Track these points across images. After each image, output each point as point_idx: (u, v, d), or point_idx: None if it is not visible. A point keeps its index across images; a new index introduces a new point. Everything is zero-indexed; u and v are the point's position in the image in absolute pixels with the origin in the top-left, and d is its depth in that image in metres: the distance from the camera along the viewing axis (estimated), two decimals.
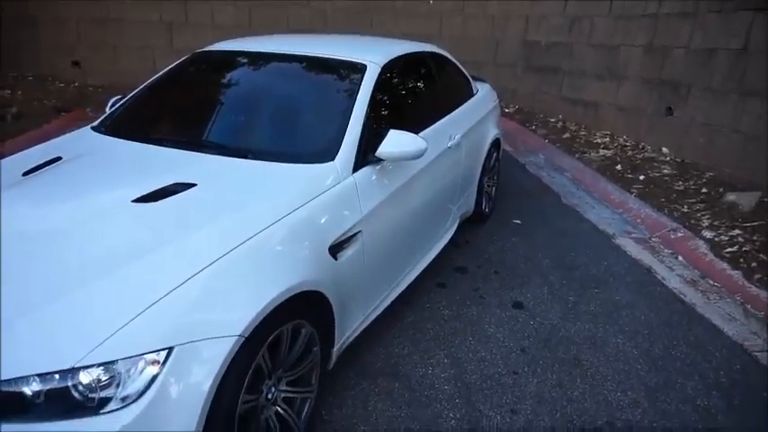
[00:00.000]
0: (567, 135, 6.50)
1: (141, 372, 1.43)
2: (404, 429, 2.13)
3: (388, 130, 2.37)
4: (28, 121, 6.30)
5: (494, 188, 4.23)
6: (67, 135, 2.71)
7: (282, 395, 1.91)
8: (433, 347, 2.63)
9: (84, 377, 1.40)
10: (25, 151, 2.51)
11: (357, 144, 2.33)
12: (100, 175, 2.19)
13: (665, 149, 5.70)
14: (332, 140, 2.32)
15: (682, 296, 3.20)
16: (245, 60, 3.01)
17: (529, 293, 3.15)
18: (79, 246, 1.74)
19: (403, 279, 2.74)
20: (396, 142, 2.35)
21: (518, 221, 4.16)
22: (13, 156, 2.47)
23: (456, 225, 3.48)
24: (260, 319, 1.64)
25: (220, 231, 1.80)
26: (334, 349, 2.15)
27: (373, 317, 2.48)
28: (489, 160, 3.95)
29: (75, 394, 1.40)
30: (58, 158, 2.29)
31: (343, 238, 2.10)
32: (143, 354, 1.44)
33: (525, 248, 3.72)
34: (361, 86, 2.56)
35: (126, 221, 1.85)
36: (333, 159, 2.24)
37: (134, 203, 1.92)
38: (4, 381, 1.38)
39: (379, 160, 2.38)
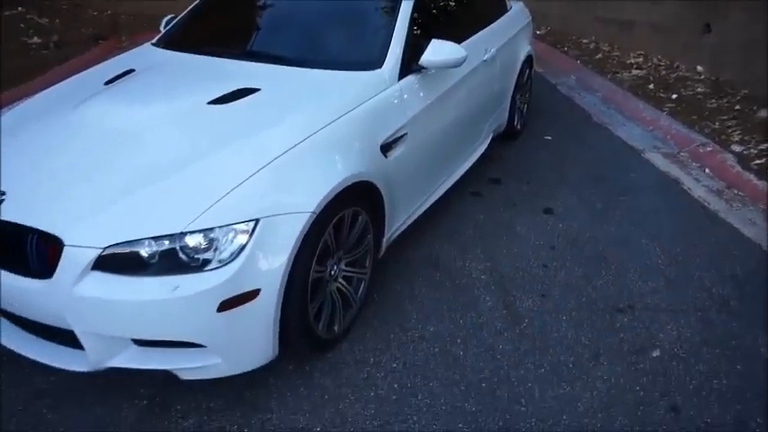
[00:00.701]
0: (599, 56, 6.44)
1: (233, 239, 1.72)
2: (446, 309, 2.44)
3: (429, 40, 2.52)
4: (69, 50, 6.51)
5: (526, 105, 4.34)
6: (132, 51, 2.93)
7: (343, 273, 2.20)
8: (470, 245, 2.89)
9: (190, 240, 1.69)
10: (99, 65, 2.75)
11: (401, 53, 2.51)
12: (173, 83, 2.43)
13: (699, 68, 5.64)
14: (379, 50, 2.50)
15: (706, 204, 3.37)
16: None
17: (558, 201, 3.36)
18: (172, 139, 2.02)
19: (442, 184, 2.97)
20: (438, 51, 2.50)
21: (549, 137, 4.30)
22: (90, 69, 2.72)
23: (489, 139, 3.65)
24: (327, 200, 1.91)
25: (289, 127, 2.05)
26: (384, 239, 2.42)
27: (416, 215, 2.73)
28: (522, 77, 4.05)
29: (182, 255, 1.70)
30: (132, 70, 2.52)
31: (391, 139, 2.32)
32: (235, 223, 1.72)
33: (556, 162, 3.89)
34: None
35: (206, 119, 2.11)
36: (380, 67, 2.43)
37: (209, 105, 2.17)
38: (126, 242, 1.68)
39: (421, 69, 2.55)
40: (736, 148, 4.00)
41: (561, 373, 2.11)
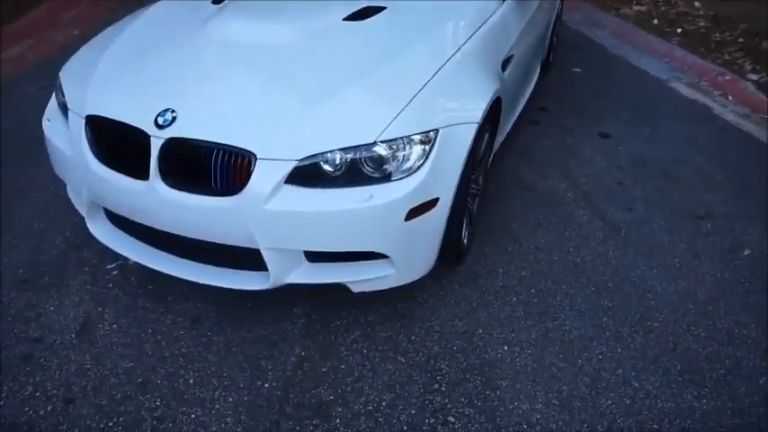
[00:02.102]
0: None
1: (417, 149, 1.76)
2: (548, 223, 2.58)
3: None
4: None
5: (555, 38, 4.44)
6: None
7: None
8: (546, 167, 3.04)
9: (380, 150, 1.72)
10: None
11: None
12: (293, 3, 2.36)
13: (697, 3, 5.89)
14: None
15: (739, 126, 3.65)
16: None
17: (609, 126, 3.53)
18: (327, 54, 2.01)
19: (519, 104, 3.07)
20: None
21: (578, 70, 4.44)
22: None
23: (539, 67, 3.75)
24: (485, 112, 1.97)
25: (437, 40, 2.09)
26: (491, 155, 2.52)
27: (505, 134, 2.83)
28: (555, 10, 4.13)
29: (369, 166, 1.73)
30: None
31: (506, 57, 2.38)
32: (419, 133, 1.76)
33: (592, 92, 4.05)
34: None
35: (350, 35, 2.11)
36: None
37: (346, 21, 2.14)
38: (319, 154, 1.69)
39: None
40: (752, 76, 4.29)
41: (673, 272, 2.32)
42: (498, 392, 1.79)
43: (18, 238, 2.41)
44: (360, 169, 1.74)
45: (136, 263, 2.21)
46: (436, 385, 1.82)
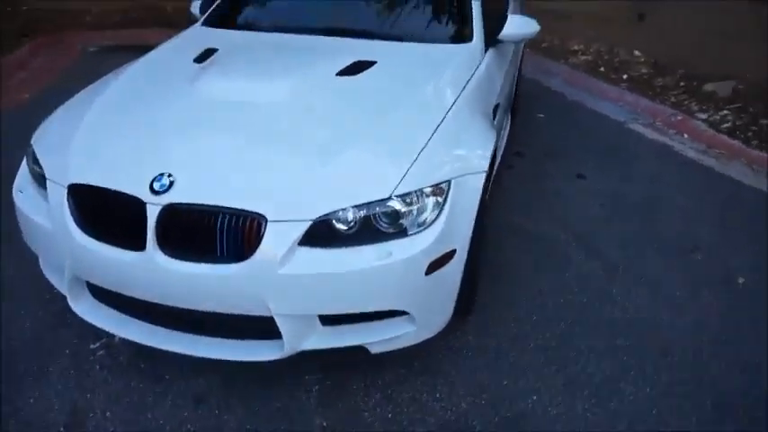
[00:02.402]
0: (544, 44, 6.97)
1: (431, 202, 1.71)
2: (546, 267, 2.57)
3: (505, 17, 2.65)
4: None
5: (517, 86, 4.63)
6: (185, 33, 2.74)
7: None
8: (531, 210, 3.06)
9: (395, 205, 1.66)
10: (158, 49, 2.55)
11: (483, 28, 2.61)
12: (279, 59, 2.33)
13: (636, 52, 6.33)
14: (463, 25, 2.60)
15: (701, 162, 3.84)
16: None
17: (583, 168, 3.63)
18: (325, 110, 1.96)
19: (500, 149, 3.10)
20: (516, 25, 2.64)
21: (541, 115, 4.62)
22: (152, 53, 2.51)
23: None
24: (489, 160, 1.96)
25: (436, 92, 2.08)
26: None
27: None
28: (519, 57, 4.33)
29: (383, 222, 1.66)
30: (215, 49, 2.37)
31: (494, 105, 2.42)
32: (432, 185, 1.72)
33: (558, 136, 4.19)
34: None
35: (346, 90, 2.07)
36: (471, 41, 2.52)
37: (339, 77, 2.11)
38: (332, 212, 1.61)
39: (497, 42, 2.67)
40: (701, 115, 4.57)
41: (678, 306, 2.33)
42: None
43: None
44: (373, 226, 1.67)
45: (122, 340, 2.03)
46: None
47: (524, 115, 4.59)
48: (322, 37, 2.52)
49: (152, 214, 1.62)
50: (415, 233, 1.68)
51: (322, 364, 1.96)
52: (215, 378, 1.92)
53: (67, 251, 1.75)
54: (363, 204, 1.64)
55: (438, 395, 1.88)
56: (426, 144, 1.81)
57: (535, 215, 3.01)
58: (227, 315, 1.70)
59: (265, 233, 1.58)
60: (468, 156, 1.90)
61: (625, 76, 5.73)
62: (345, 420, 1.78)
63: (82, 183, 1.74)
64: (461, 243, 1.79)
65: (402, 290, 1.70)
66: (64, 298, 2.13)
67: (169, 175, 1.66)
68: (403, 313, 1.75)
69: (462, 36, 2.54)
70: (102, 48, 6.49)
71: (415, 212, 1.69)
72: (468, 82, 2.22)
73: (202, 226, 1.61)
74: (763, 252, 2.73)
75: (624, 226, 2.95)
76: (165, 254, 1.62)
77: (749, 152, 3.92)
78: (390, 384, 1.91)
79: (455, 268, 1.79)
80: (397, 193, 1.66)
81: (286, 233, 1.59)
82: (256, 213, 1.59)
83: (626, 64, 6.12)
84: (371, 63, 2.22)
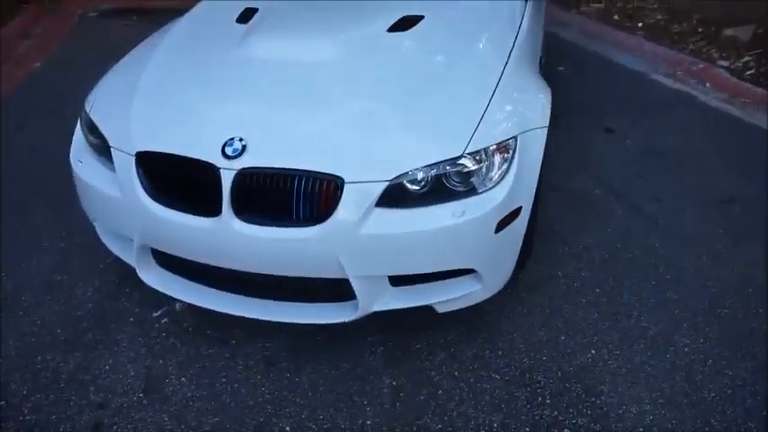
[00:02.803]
0: None
1: (499, 159, 1.71)
2: (588, 222, 2.60)
3: None
4: None
5: None
6: (189, 16, 2.61)
7: None
8: (565, 165, 3.04)
9: (467, 163, 1.66)
10: (196, 10, 2.50)
11: None
12: (326, 17, 2.27)
13: None
14: None
15: (727, 111, 3.83)
16: None
17: (610, 121, 3.61)
18: (383, 67, 1.94)
19: None
20: None
21: (561, 68, 4.55)
22: (189, 14, 2.44)
23: None
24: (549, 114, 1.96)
25: (489, 46, 2.07)
26: None
27: None
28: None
29: (454, 181, 1.67)
30: (255, 9, 2.30)
31: (540, 58, 2.40)
32: (500, 142, 1.71)
33: (582, 89, 4.14)
34: None
35: (399, 46, 2.04)
36: None
37: (390, 33, 2.07)
38: (407, 173, 1.62)
39: None
40: (722, 63, 4.52)
41: (721, 258, 2.37)
42: (603, 398, 1.77)
43: (41, 293, 2.19)
44: (444, 185, 1.67)
45: (183, 307, 2.07)
46: (540, 399, 1.77)
47: (545, 69, 4.53)
48: None
49: (226, 180, 1.61)
50: (484, 191, 1.69)
51: (381, 326, 2.01)
52: (280, 343, 1.96)
53: (138, 220, 1.76)
54: (436, 163, 1.64)
55: (500, 352, 1.94)
56: (490, 101, 1.79)
57: (568, 171, 3.02)
58: (299, 279, 1.73)
59: (343, 195, 1.59)
60: (529, 111, 1.89)
61: (640, 24, 5.61)
62: (413, 379, 1.84)
63: (150, 150, 1.72)
64: (527, 199, 1.81)
65: (473, 248, 1.72)
66: (118, 267, 2.18)
67: (240, 139, 1.64)
68: (469, 272, 1.79)
69: None
70: (101, 12, 6.28)
71: (484, 170, 1.69)
72: (516, 37, 2.19)
73: (278, 190, 1.62)
74: None
75: (658, 179, 2.96)
76: (241, 219, 1.63)
77: None
78: (452, 343, 1.97)
79: (520, 225, 1.81)
80: (468, 151, 1.66)
81: (363, 194, 1.59)
82: (333, 175, 1.59)
83: (640, 11, 5.99)
84: (419, 18, 2.18)
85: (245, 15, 2.29)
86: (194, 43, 2.21)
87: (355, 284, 1.69)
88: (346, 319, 1.76)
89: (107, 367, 1.88)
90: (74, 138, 2.05)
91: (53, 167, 2.87)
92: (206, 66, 2.03)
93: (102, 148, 1.90)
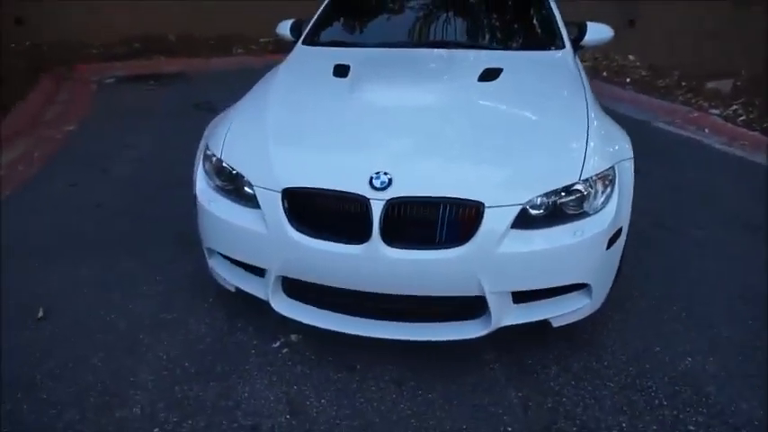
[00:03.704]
0: None
1: (600, 185, 1.95)
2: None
3: (586, 25, 2.96)
4: (9, 87, 5.72)
5: None
6: (296, 54, 2.92)
7: None
8: None
9: (581, 188, 1.90)
10: (285, 69, 2.73)
11: (569, 36, 2.92)
12: (416, 69, 2.54)
13: (631, 57, 6.83)
14: (555, 33, 2.92)
15: (730, 152, 4.26)
16: None
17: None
18: (489, 110, 2.23)
19: None
20: (595, 31, 2.95)
21: None
22: (284, 71, 2.68)
23: None
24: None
25: (568, 91, 2.35)
26: None
27: None
28: None
29: (568, 205, 1.90)
30: (347, 65, 2.55)
31: None
32: (603, 171, 1.96)
33: None
34: None
35: (494, 94, 2.32)
36: (564, 47, 2.82)
37: (480, 82, 2.34)
38: (538, 197, 1.84)
39: (579, 47, 2.97)
40: (714, 111, 5.03)
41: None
42: (714, 397, 1.95)
43: (154, 332, 2.26)
44: (560, 210, 1.90)
45: (300, 338, 2.19)
46: (657, 401, 1.94)
47: None
48: (433, 49, 2.77)
49: (377, 209, 1.80)
50: (595, 213, 1.92)
51: (492, 345, 2.15)
52: (403, 365, 2.08)
53: (282, 251, 1.90)
54: (558, 189, 1.88)
55: (605, 363, 2.11)
56: (587, 138, 2.05)
57: None
58: (431, 300, 1.89)
59: (483, 218, 1.78)
60: (617, 146, 2.16)
61: (628, 80, 6.19)
62: (535, 390, 1.99)
63: (298, 186, 1.89)
64: (625, 220, 2.04)
65: (589, 263, 1.93)
66: (224, 304, 2.33)
67: (385, 173, 1.84)
68: (579, 288, 1.98)
69: (555, 43, 2.85)
70: (118, 78, 6.56)
71: (593, 196, 1.93)
72: (583, 85, 2.50)
73: (423, 216, 1.81)
74: None
75: (691, 210, 3.28)
76: (388, 244, 1.80)
77: None
78: (561, 358, 2.13)
79: (621, 244, 2.04)
80: (583, 177, 1.90)
81: (501, 217, 1.80)
82: (475, 201, 1.79)
83: (625, 68, 6.61)
84: (500, 69, 2.47)
85: (340, 71, 2.55)
86: (303, 93, 2.44)
87: (491, 300, 1.86)
88: (479, 334, 1.91)
89: (246, 394, 1.95)
90: (197, 187, 2.19)
91: (124, 218, 3.01)
92: (327, 112, 2.26)
93: (231, 190, 2.07)
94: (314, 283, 1.97)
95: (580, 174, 1.90)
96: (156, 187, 3.55)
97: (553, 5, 3.12)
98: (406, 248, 1.80)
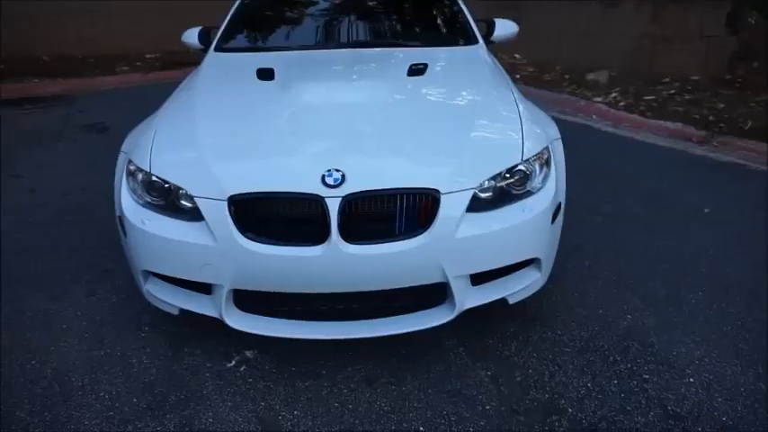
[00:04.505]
0: None
1: (538, 165, 2.05)
2: None
3: (494, 22, 3.12)
4: None
5: None
6: (210, 60, 2.78)
7: None
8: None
9: (524, 168, 1.98)
10: (202, 75, 2.58)
11: (480, 33, 3.05)
12: (343, 69, 2.50)
13: (517, 56, 7.31)
14: (466, 30, 3.02)
15: (618, 134, 4.69)
16: None
17: None
18: (426, 102, 2.25)
19: None
20: (503, 27, 3.12)
21: None
22: (202, 77, 2.52)
23: None
24: None
25: (492, 81, 2.47)
26: None
27: None
28: None
29: (511, 186, 1.97)
30: (270, 69, 2.46)
31: None
32: (540, 152, 2.05)
33: None
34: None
35: (426, 87, 2.37)
36: (477, 43, 2.94)
37: (409, 77, 2.37)
38: (486, 180, 1.89)
39: (490, 42, 3.12)
40: (597, 99, 5.52)
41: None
42: (657, 346, 2.11)
43: (91, 371, 2.02)
44: (507, 191, 1.96)
45: (255, 353, 2.07)
46: (611, 358, 2.06)
47: None
48: (352, 49, 2.76)
49: (333, 207, 1.74)
50: (537, 191, 2.01)
51: (447, 331, 2.17)
52: (369, 364, 2.04)
53: (235, 262, 1.78)
54: (504, 171, 1.94)
55: (559, 332, 2.21)
56: (521, 122, 2.14)
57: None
58: (391, 294, 1.87)
59: (441, 205, 1.80)
60: (546, 128, 2.28)
61: (518, 76, 6.62)
62: (502, 366, 2.03)
63: (247, 192, 1.79)
64: (562, 196, 2.15)
65: (539, 238, 2.01)
66: (164, 331, 2.19)
67: (337, 170, 1.79)
68: (530, 263, 2.06)
69: (468, 39, 2.97)
70: None
71: (534, 175, 2.02)
72: (501, 72, 2.62)
73: (379, 210, 1.79)
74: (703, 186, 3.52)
75: (599, 185, 3.56)
76: (348, 242, 1.75)
77: (649, 122, 4.88)
78: (517, 334, 2.20)
79: (561, 218, 2.15)
80: (526, 157, 1.98)
81: (456, 202, 1.82)
82: (431, 189, 1.80)
83: (513, 66, 7.05)
84: (425, 65, 2.52)
85: (264, 74, 2.45)
86: (231, 98, 2.32)
87: (454, 285, 1.87)
88: (446, 320, 1.91)
89: (210, 419, 1.80)
90: (123, 207, 1.98)
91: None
92: (261, 115, 2.16)
93: (164, 206, 1.92)
94: (266, 293, 1.88)
95: (521, 155, 1.99)
96: (52, 214, 3.21)
97: (462, 5, 3.26)
98: (366, 244, 1.77)
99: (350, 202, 1.77)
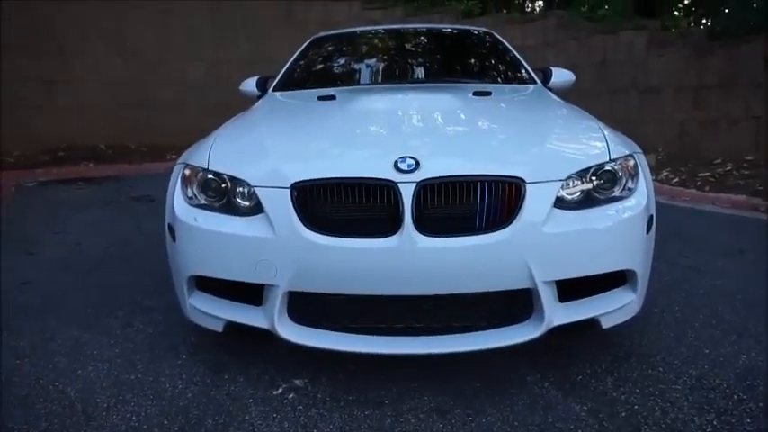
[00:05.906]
0: None
1: (629, 169, 1.86)
2: None
3: (550, 69, 3.11)
4: None
5: None
6: (269, 99, 2.77)
7: None
8: None
9: (612, 168, 1.79)
10: (258, 104, 2.57)
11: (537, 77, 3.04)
12: (405, 95, 2.44)
13: None
14: (523, 74, 3.00)
15: (675, 204, 4.47)
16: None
17: None
18: (499, 113, 2.14)
19: None
20: (559, 75, 3.09)
21: None
22: (260, 110, 2.51)
23: None
24: None
25: (562, 103, 2.37)
26: None
27: None
28: None
29: (604, 187, 1.77)
30: (332, 95, 2.43)
31: None
32: (628, 155, 1.87)
33: None
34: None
35: (492, 102, 2.30)
36: (536, 83, 2.91)
37: (476, 96, 2.30)
38: (576, 173, 1.70)
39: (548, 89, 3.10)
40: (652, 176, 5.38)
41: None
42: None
43: (117, 393, 1.76)
44: (594, 195, 1.76)
45: (305, 382, 1.80)
46: (736, 396, 1.69)
47: None
48: (413, 84, 2.77)
49: (407, 194, 1.57)
50: (629, 196, 1.80)
51: (533, 366, 1.86)
52: (440, 394, 1.72)
53: (296, 257, 1.59)
54: (592, 167, 1.75)
55: (661, 369, 1.86)
56: (603, 132, 1.96)
57: None
58: (468, 303, 1.63)
59: (526, 196, 1.60)
60: (628, 141, 2.10)
61: None
62: (599, 401, 1.68)
63: (310, 179, 1.63)
64: (654, 210, 1.92)
65: (635, 246, 1.77)
66: (204, 358, 1.97)
67: (410, 157, 1.64)
68: (623, 281, 1.80)
69: (525, 80, 2.94)
70: (40, 182, 6.10)
71: (623, 179, 1.81)
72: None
73: (456, 200, 1.60)
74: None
75: (671, 244, 3.28)
76: (423, 233, 1.55)
77: (708, 194, 4.68)
78: (609, 371, 1.86)
79: (653, 233, 1.90)
80: (612, 157, 1.80)
81: (544, 194, 1.63)
82: (516, 177, 1.61)
83: None
84: (489, 92, 2.46)
85: (326, 98, 2.41)
86: (291, 112, 2.28)
87: (543, 293, 1.62)
88: (534, 336, 1.63)
89: None
90: (174, 210, 1.84)
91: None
92: (324, 120, 2.10)
93: (220, 206, 1.77)
94: (324, 302, 1.66)
95: (609, 155, 1.81)
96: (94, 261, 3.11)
97: (514, 51, 3.28)
98: (443, 236, 1.56)
99: (425, 189, 1.58)
